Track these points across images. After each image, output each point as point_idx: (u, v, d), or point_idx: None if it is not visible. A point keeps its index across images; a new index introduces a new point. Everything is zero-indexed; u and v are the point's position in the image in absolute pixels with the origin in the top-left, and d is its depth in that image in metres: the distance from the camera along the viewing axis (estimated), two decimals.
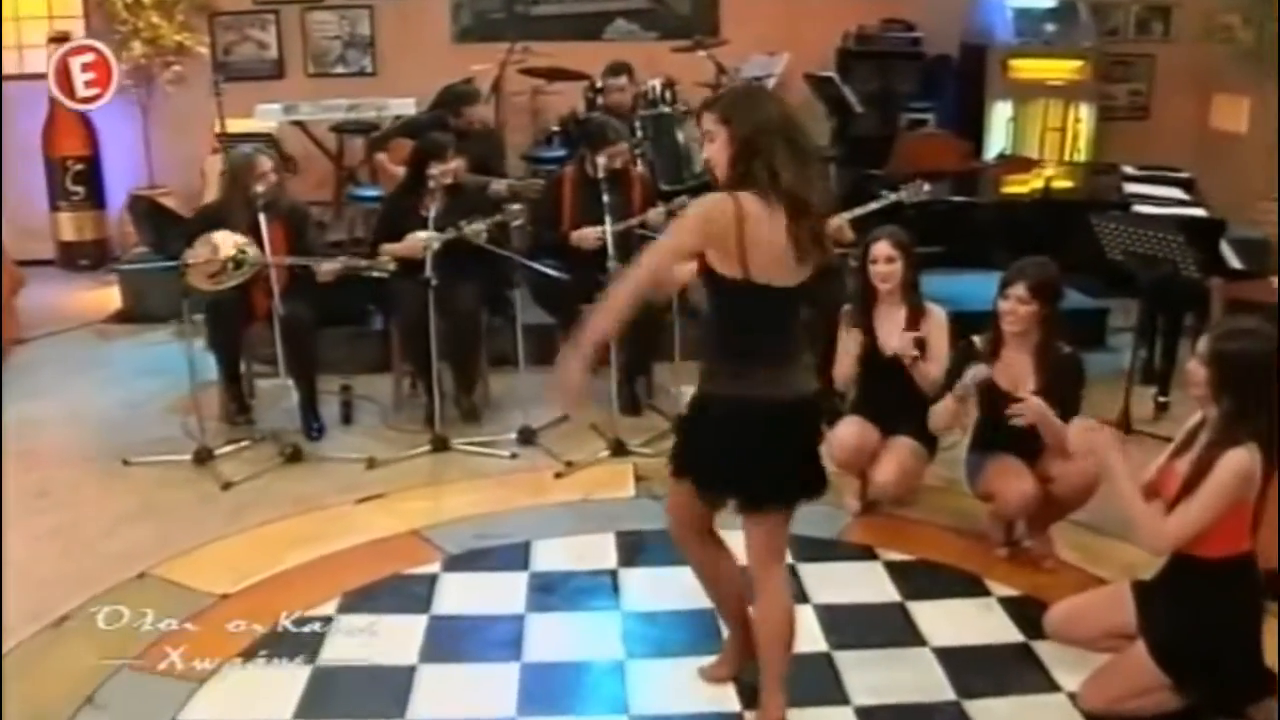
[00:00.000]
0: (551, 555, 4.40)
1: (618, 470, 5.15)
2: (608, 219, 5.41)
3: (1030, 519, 4.26)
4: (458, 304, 5.52)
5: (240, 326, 5.53)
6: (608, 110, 7.06)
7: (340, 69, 8.90)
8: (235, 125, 7.98)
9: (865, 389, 4.66)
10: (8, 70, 8.35)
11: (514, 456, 5.29)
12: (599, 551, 4.42)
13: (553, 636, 3.86)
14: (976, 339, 4.27)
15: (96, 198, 8.66)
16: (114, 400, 6.01)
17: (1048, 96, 8.35)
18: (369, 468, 5.18)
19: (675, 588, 3.86)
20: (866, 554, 4.38)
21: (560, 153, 7.61)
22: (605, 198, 5.47)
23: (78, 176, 8.56)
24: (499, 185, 6.59)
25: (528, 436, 5.42)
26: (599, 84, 7.49)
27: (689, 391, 3.26)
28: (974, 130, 8.38)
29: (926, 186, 5.41)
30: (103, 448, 5.42)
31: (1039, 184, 6.69)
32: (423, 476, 5.13)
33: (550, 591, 4.14)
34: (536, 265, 5.40)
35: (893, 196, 5.38)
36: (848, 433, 4.54)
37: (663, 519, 3.55)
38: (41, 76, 8.43)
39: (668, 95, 7.90)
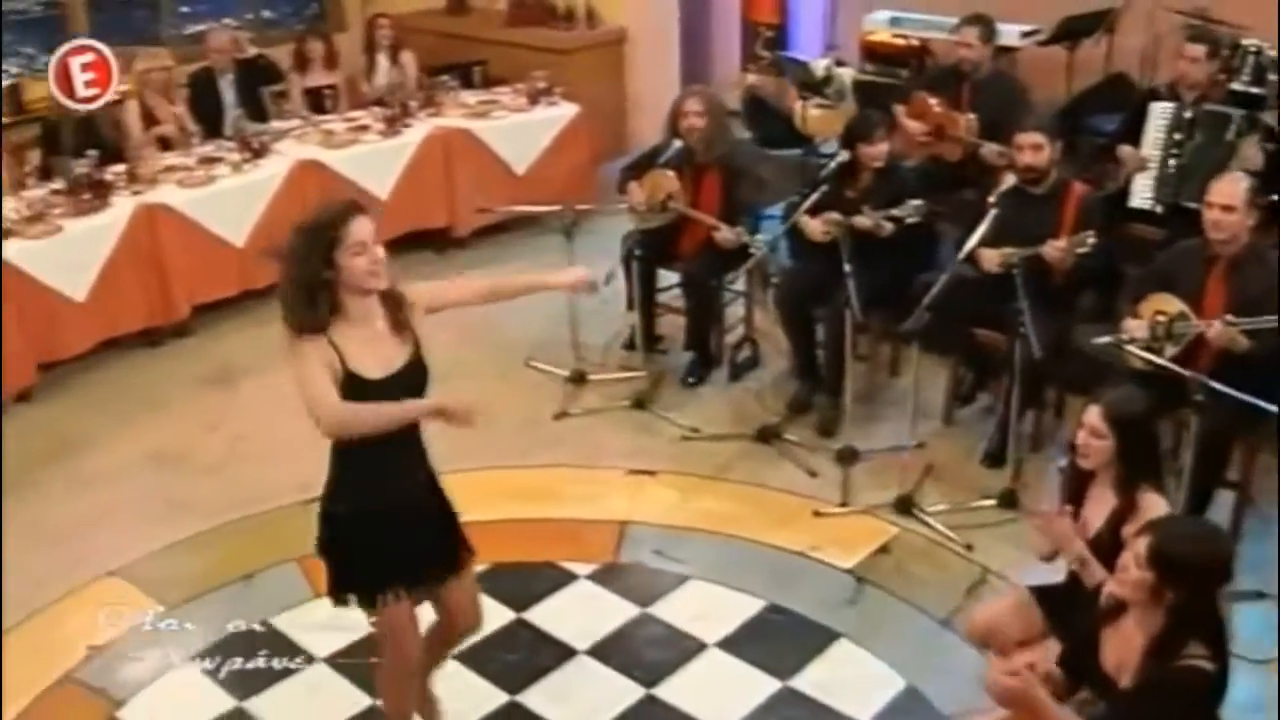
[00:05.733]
0: (583, 608, 4.32)
1: (873, 531, 4.73)
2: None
3: None
4: (832, 299, 5.30)
5: (655, 263, 5.84)
6: (1175, 84, 5.66)
7: None
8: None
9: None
10: None
11: (813, 475, 5.11)
12: (611, 618, 4.26)
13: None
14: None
15: (779, 65, 9.17)
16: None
17: None
18: (684, 438, 5.38)
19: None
20: None
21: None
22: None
23: (767, 43, 9.15)
24: (989, 150, 5.85)
25: (847, 457, 5.12)
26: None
27: None
28: None
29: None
30: (538, 341, 6.08)
31: None
32: (719, 464, 5.16)
33: (481, 646, 3.88)
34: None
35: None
36: (991, 607, 3.73)
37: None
38: None
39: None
